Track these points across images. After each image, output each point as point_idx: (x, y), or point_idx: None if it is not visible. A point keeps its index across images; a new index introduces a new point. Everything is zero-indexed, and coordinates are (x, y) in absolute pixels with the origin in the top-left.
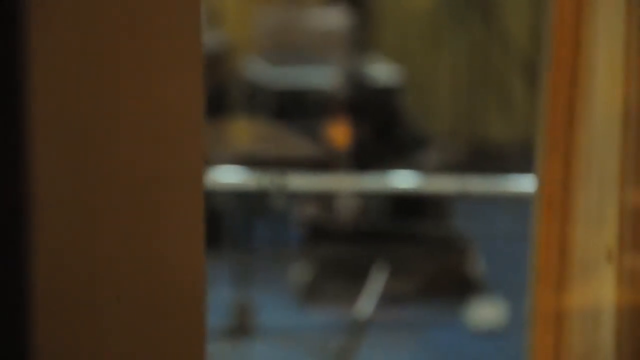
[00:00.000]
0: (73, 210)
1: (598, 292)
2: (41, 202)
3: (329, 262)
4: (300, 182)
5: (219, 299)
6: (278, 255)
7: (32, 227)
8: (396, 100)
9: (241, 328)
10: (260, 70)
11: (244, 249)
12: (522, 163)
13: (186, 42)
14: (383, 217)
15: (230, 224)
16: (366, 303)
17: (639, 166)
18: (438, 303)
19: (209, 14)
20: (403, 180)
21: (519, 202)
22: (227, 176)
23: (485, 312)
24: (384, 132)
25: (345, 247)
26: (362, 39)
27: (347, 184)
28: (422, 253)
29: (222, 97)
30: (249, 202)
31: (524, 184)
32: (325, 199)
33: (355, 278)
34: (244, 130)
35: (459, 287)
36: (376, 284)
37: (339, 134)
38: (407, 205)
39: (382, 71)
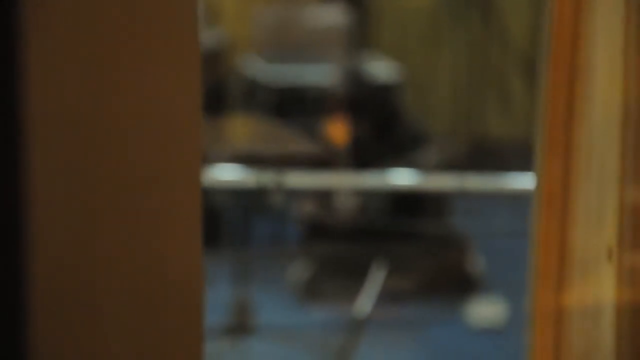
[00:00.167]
0: (70, 208)
1: (598, 290)
2: (39, 201)
3: (328, 260)
4: (299, 179)
5: (218, 297)
6: (277, 253)
7: (30, 227)
8: (395, 98)
9: (240, 326)
10: (259, 68)
11: (243, 246)
12: (521, 161)
13: (184, 39)
14: (382, 215)
15: (229, 222)
16: (365, 301)
17: (638, 164)
18: (437, 301)
19: (207, 11)
20: (402, 178)
21: (519, 200)
22: (226, 174)
23: (485, 310)
24: (383, 130)
25: (344, 245)
26: (361, 36)
27: (346, 182)
28: (422, 251)
29: (220, 94)
30: (247, 199)
31: (524, 181)
32: (324, 197)
33: (354, 276)
34: (242, 128)
35: (458, 285)
36: (375, 281)
37: (338, 131)
38: (406, 203)
39: (381, 69)
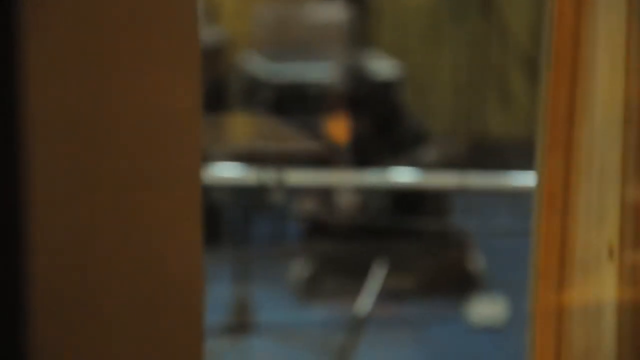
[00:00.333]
0: (70, 208)
1: (599, 289)
2: (38, 201)
3: (328, 259)
4: (300, 177)
5: (218, 296)
6: (277, 252)
7: (30, 227)
8: (396, 95)
9: (240, 325)
10: (259, 66)
11: (243, 245)
12: (522, 159)
13: (183, 37)
14: (383, 213)
15: (229, 220)
16: (365, 299)
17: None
18: (438, 300)
19: (207, 8)
20: (403, 176)
21: (519, 198)
22: (226, 172)
23: (485, 309)
24: (383, 128)
25: (344, 243)
26: (362, 34)
27: (346, 180)
28: (422, 249)
29: (220, 92)
30: (247, 198)
31: (524, 180)
32: (324, 195)
33: (355, 274)
34: (242, 126)
35: (459, 284)
36: (375, 280)
37: (338, 129)
38: (406, 201)
39: (381, 66)
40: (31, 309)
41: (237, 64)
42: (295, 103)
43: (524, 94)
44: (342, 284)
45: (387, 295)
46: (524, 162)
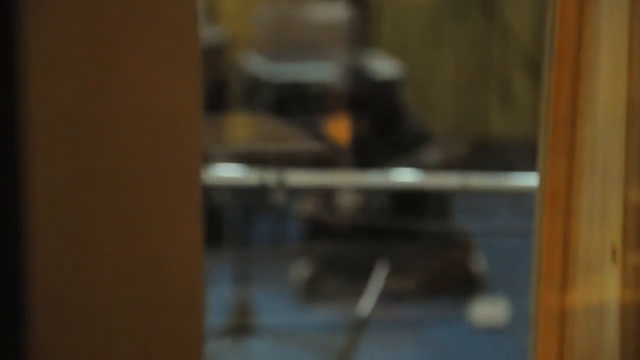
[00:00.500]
0: (70, 208)
1: (602, 290)
2: (38, 202)
3: (329, 260)
4: (301, 178)
5: (219, 297)
6: (278, 253)
7: (30, 227)
8: (397, 96)
9: (241, 326)
10: (260, 65)
11: (244, 246)
12: (524, 160)
13: (184, 38)
14: (384, 214)
15: (230, 221)
16: (367, 301)
17: None
18: (440, 301)
19: (207, 8)
20: (404, 176)
21: (522, 199)
22: (227, 172)
23: (488, 310)
24: (384, 128)
25: (345, 244)
26: (362, 33)
27: (347, 180)
28: (424, 250)
29: (221, 92)
30: (248, 198)
31: (527, 180)
32: (325, 196)
33: (356, 275)
34: (243, 126)
35: (461, 285)
36: (377, 281)
37: (339, 129)
38: (408, 202)
39: (382, 66)
40: (31, 309)
41: (238, 64)
42: (296, 103)
43: (526, 94)
44: (344, 285)
45: (388, 296)
46: (527, 162)
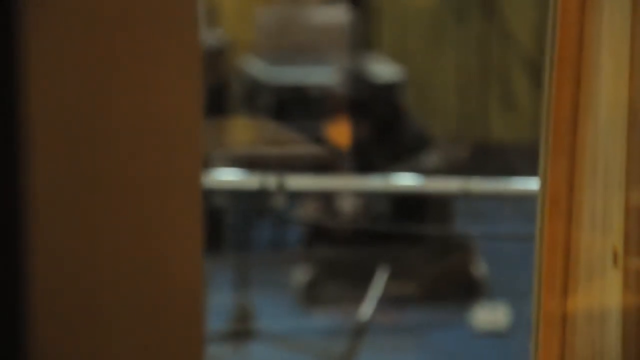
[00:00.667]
0: (70, 211)
1: (604, 295)
2: (38, 204)
3: (329, 264)
4: (301, 182)
5: (219, 301)
6: (278, 257)
7: (30, 230)
8: (398, 99)
9: (241, 331)
10: (260, 69)
11: (244, 250)
12: (525, 164)
13: (184, 41)
14: (385, 218)
15: (230, 225)
16: (367, 305)
17: None
18: (441, 305)
19: (208, 12)
20: (405, 180)
21: (523, 203)
22: (227, 176)
23: (489, 315)
24: (385, 132)
25: (346, 248)
26: (363, 37)
27: (348, 185)
28: (425, 255)
29: (221, 95)
30: (249, 202)
31: (528, 184)
32: (326, 200)
33: (357, 280)
34: (243, 130)
35: (462, 289)
36: (378, 286)
37: (340, 133)
38: (409, 206)
39: (383, 70)
40: (31, 310)
41: (238, 67)
42: (296, 107)
43: (527, 97)
44: (344, 289)
45: (389, 301)
46: (528, 166)
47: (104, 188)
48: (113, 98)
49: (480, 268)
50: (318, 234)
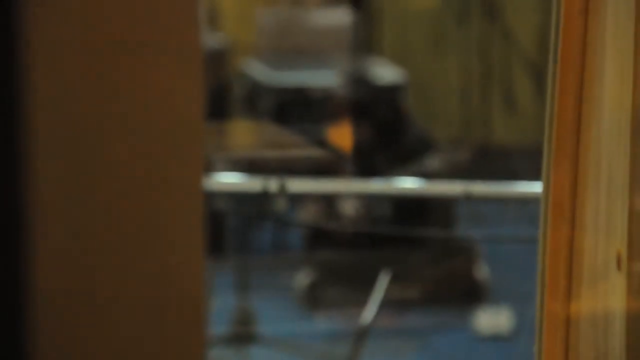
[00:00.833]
0: (71, 215)
1: (607, 299)
2: (39, 208)
3: (331, 267)
4: (303, 185)
5: (220, 305)
6: (280, 260)
7: (31, 233)
8: (400, 102)
9: (243, 334)
10: (262, 72)
11: (245, 253)
12: (529, 168)
13: (186, 43)
14: (387, 222)
15: (232, 229)
16: (369, 309)
17: None
18: (443, 309)
19: (209, 14)
20: (407, 183)
21: (526, 206)
22: (228, 179)
23: (491, 318)
24: (387, 135)
25: (348, 252)
26: (365, 40)
27: (350, 188)
28: (427, 258)
29: (223, 98)
30: (250, 205)
31: (531, 188)
32: (327, 203)
33: (358, 283)
34: (245, 133)
35: (465, 293)
36: (380, 289)
37: (342, 136)
38: (411, 209)
39: (385, 73)
40: (32, 315)
41: (240, 70)
42: (298, 110)
43: (529, 100)
44: (346, 293)
45: (391, 304)
46: (530, 169)
47: (105, 191)
48: (114, 101)
49: (483, 271)
50: (320, 237)
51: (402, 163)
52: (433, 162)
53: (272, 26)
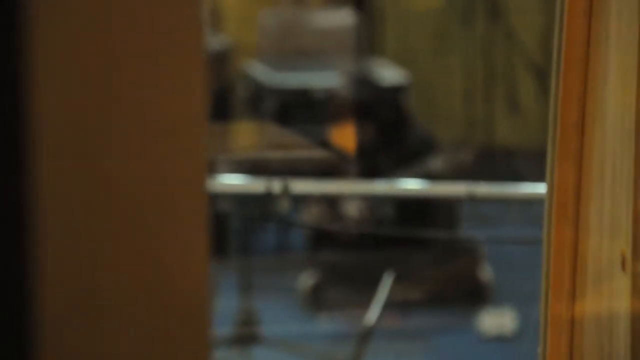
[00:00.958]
0: (74, 217)
1: (612, 299)
2: (42, 210)
3: (334, 269)
4: (306, 186)
5: (224, 306)
6: (283, 261)
7: (33, 235)
8: (403, 103)
9: (246, 335)
10: (265, 73)
11: (249, 255)
12: (532, 168)
13: (188, 44)
14: (390, 223)
15: (235, 230)
16: (373, 310)
17: None
18: (447, 310)
19: (213, 16)
20: (410, 184)
21: (530, 207)
22: (232, 181)
23: (495, 319)
24: (390, 136)
25: (351, 253)
26: (368, 41)
27: (353, 189)
28: (431, 259)
29: (225, 100)
30: (253, 207)
31: (535, 189)
32: (331, 204)
33: (362, 285)
34: (248, 134)
35: (469, 294)
36: (383, 290)
37: (345, 137)
38: (414, 210)
39: (388, 74)
40: (35, 317)
41: (242, 71)
42: (300, 111)
43: (533, 101)
44: (349, 294)
45: (394, 305)
46: (534, 170)
47: (108, 193)
48: (117, 103)
49: (487, 272)
50: (323, 238)
51: (405, 164)
52: (436, 163)
53: (275, 27)
